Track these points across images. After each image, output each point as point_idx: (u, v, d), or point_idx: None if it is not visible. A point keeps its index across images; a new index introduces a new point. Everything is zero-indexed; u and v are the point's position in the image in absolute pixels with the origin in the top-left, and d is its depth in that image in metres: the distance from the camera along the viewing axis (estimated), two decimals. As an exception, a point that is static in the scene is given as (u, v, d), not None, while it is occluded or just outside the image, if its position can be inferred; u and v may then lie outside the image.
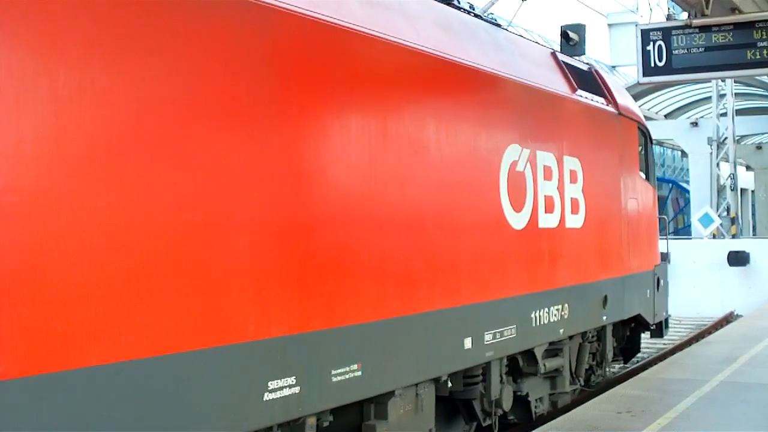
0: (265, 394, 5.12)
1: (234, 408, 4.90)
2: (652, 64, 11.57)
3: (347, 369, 5.85)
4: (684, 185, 39.23)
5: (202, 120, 4.79)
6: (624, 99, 11.46)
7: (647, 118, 17.17)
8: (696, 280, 24.05)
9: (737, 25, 11.18)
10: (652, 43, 11.56)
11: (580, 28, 24.47)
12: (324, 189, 5.69)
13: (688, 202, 35.02)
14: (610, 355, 11.08)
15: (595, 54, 41.29)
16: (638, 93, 26.23)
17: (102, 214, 4.21)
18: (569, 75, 9.79)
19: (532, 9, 37.06)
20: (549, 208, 8.82)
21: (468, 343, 7.34)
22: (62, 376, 3.95)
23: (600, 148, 10.35)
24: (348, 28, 6.01)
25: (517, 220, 8.17)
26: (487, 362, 7.72)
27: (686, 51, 11.41)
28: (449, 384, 7.34)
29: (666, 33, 11.53)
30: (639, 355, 13.12)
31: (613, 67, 46.15)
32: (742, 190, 33.85)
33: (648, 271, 11.98)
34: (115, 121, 4.30)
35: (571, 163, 9.41)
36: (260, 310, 5.09)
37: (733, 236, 28.12)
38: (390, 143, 6.36)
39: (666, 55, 11.49)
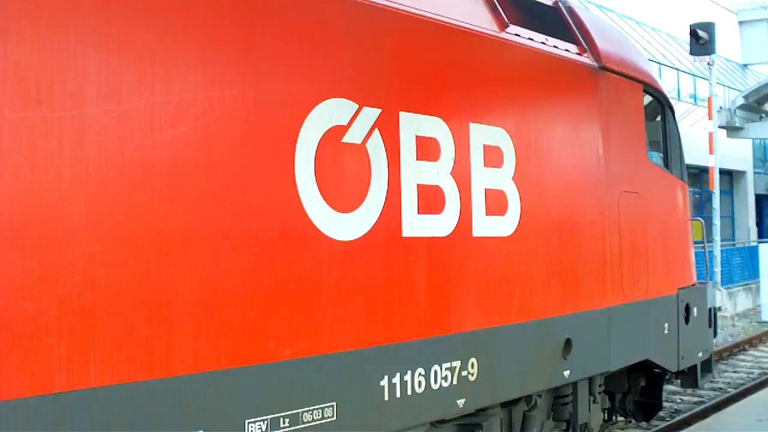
0: None
1: None
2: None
3: None
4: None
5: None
6: (616, 48, 7.87)
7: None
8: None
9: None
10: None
11: (709, 26, 20.82)
12: None
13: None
14: (594, 422, 7.56)
15: (726, 52, 37.55)
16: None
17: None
18: (499, 6, 6.42)
19: (661, 8, 33.44)
20: (428, 205, 5.50)
21: None
22: None
23: (557, 114, 6.89)
24: None
25: (345, 226, 4.91)
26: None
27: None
28: None
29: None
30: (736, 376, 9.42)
31: (745, 65, 41.92)
32: None
33: (668, 296, 8.36)
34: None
35: (488, 136, 6.03)
36: None
37: None
38: None
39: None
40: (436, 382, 5.49)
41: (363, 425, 4.98)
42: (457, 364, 5.66)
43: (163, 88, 4.06)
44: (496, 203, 6.05)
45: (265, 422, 4.44)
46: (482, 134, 5.97)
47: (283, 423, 4.53)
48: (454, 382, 5.62)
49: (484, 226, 5.94)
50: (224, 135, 4.32)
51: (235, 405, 4.30)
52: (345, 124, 4.97)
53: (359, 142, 5.05)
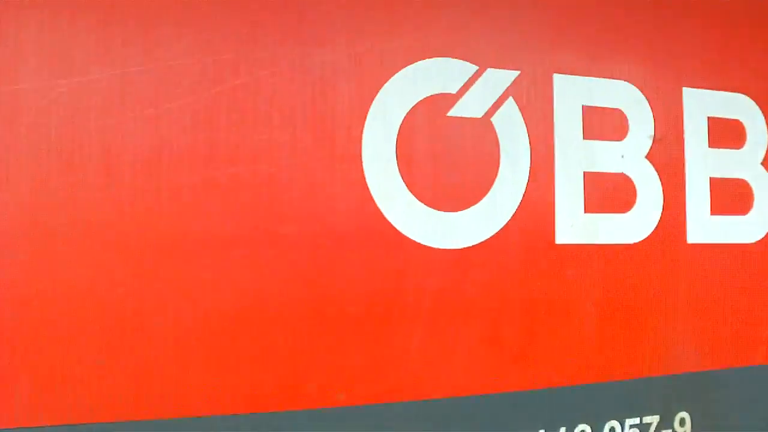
0: None
1: None
2: None
3: None
4: None
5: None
6: None
7: None
8: None
9: None
10: None
11: None
12: None
13: None
14: None
15: None
16: None
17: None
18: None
19: None
20: (603, 201, 3.99)
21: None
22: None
23: None
24: None
25: (449, 229, 3.66)
26: None
27: None
28: None
29: None
30: None
31: None
32: None
33: None
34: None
35: (717, 104, 4.30)
36: None
37: None
38: None
39: None
40: (613, 445, 3.96)
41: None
42: (652, 419, 4.06)
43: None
44: (730, 198, 4.29)
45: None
46: (706, 102, 4.26)
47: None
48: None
49: (710, 229, 4.23)
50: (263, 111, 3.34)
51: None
52: (455, 92, 3.71)
53: (479, 115, 3.75)
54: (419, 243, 3.58)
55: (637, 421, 3.98)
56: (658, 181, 4.09)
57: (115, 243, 3.12)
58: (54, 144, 3.06)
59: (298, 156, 3.39)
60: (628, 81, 4.05)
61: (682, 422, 4.10)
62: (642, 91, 4.06)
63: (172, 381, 3.18)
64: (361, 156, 3.49)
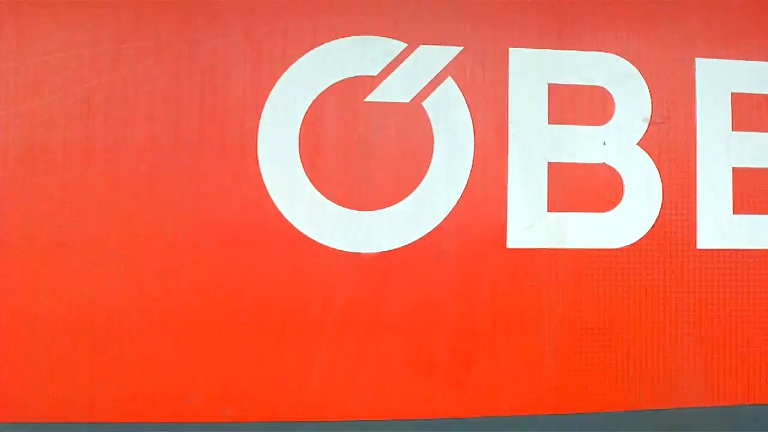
0: None
1: None
2: None
3: None
4: None
5: None
6: None
7: None
8: None
9: None
10: None
11: None
12: None
13: None
14: None
15: None
16: None
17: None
18: None
19: None
20: (574, 198, 3.33)
21: None
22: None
23: None
24: None
25: (362, 230, 3.22)
26: None
27: None
28: None
29: None
30: None
31: None
32: None
33: None
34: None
35: (742, 75, 3.44)
36: None
37: None
38: None
39: None
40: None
41: None
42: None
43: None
44: (756, 192, 3.43)
45: None
46: (725, 73, 3.43)
47: None
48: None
49: (727, 231, 3.41)
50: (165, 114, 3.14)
51: None
52: (375, 74, 3.25)
53: (407, 100, 3.26)
54: (325, 245, 3.19)
55: (617, 462, 3.30)
56: (657, 172, 3.36)
57: (-22, 244, 3.05)
58: None
59: (183, 153, 3.13)
60: (610, 51, 3.35)
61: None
62: (630, 60, 3.35)
63: (39, 386, 3.07)
64: (256, 150, 3.16)
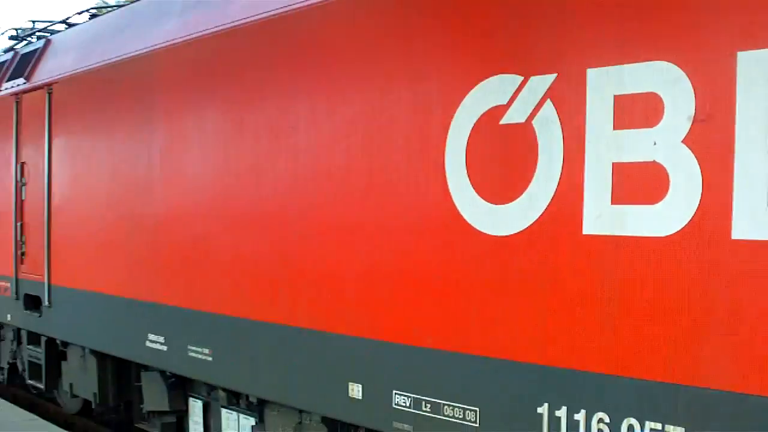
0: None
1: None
2: None
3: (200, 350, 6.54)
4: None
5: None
6: None
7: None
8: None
9: None
10: None
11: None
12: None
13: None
14: None
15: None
16: None
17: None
18: None
19: None
20: (633, 192, 3.79)
21: (356, 391, 5.17)
22: None
23: None
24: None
25: (498, 219, 4.38)
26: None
27: None
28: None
29: None
30: None
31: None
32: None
33: None
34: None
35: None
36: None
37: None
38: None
39: None
40: (633, 441, 3.81)
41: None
42: (676, 430, 3.64)
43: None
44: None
45: (409, 399, 4.85)
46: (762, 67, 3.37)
47: (425, 406, 4.76)
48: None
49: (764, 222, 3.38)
50: (380, 138, 5.02)
51: (383, 374, 4.99)
52: (505, 103, 4.36)
53: (522, 120, 4.27)
54: (478, 230, 4.48)
55: (658, 426, 3.72)
56: (698, 166, 3.61)
57: None
58: None
59: (407, 172, 4.83)
60: (664, 59, 3.71)
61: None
62: (681, 67, 3.65)
63: None
64: (444, 166, 4.66)
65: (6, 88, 10.14)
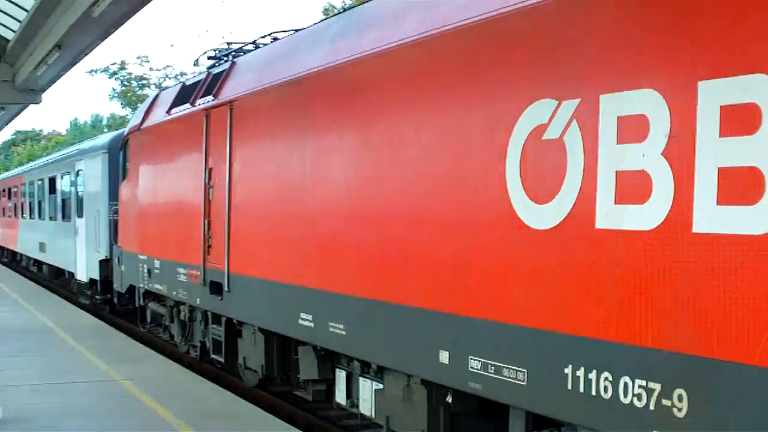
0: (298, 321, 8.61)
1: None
2: None
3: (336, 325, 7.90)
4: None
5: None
6: None
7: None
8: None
9: None
10: None
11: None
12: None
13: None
14: None
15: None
16: None
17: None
18: None
19: None
20: (627, 194, 4.76)
21: (444, 357, 6.32)
22: None
23: None
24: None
25: (541, 216, 5.44)
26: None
27: None
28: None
29: None
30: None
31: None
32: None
33: None
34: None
35: (727, 93, 4.15)
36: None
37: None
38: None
39: None
40: (626, 396, 4.76)
41: (548, 406, 5.34)
42: (655, 387, 4.58)
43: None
44: (741, 187, 4.13)
45: (480, 362, 5.96)
46: (718, 92, 4.26)
47: (490, 369, 5.85)
48: (651, 408, 4.60)
49: (717, 218, 4.27)
50: (463, 150, 6.15)
51: (462, 342, 6.12)
52: (545, 122, 5.39)
53: (557, 136, 5.29)
54: (528, 225, 5.54)
55: (643, 383, 4.66)
56: (671, 173, 4.53)
57: None
58: None
59: (475, 181, 5.94)
60: (651, 87, 4.65)
61: (680, 398, 4.44)
62: (662, 94, 4.58)
63: None
64: (505, 175, 5.74)
65: (199, 104, 11.96)
